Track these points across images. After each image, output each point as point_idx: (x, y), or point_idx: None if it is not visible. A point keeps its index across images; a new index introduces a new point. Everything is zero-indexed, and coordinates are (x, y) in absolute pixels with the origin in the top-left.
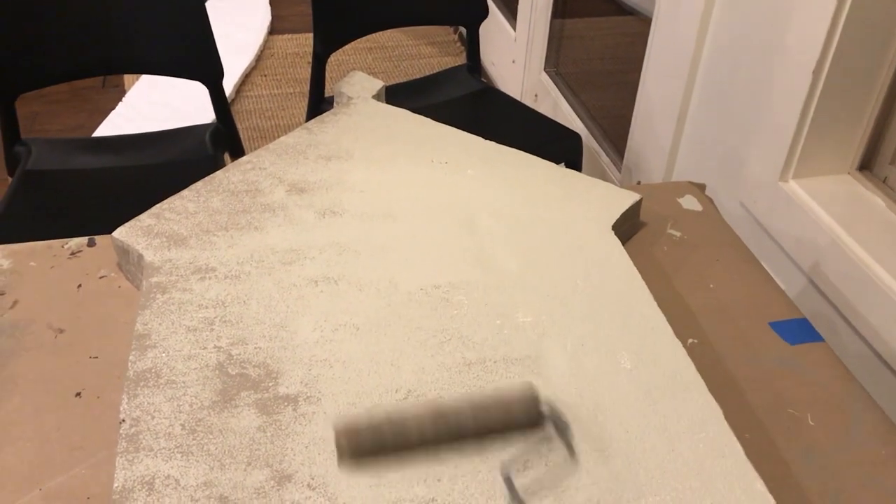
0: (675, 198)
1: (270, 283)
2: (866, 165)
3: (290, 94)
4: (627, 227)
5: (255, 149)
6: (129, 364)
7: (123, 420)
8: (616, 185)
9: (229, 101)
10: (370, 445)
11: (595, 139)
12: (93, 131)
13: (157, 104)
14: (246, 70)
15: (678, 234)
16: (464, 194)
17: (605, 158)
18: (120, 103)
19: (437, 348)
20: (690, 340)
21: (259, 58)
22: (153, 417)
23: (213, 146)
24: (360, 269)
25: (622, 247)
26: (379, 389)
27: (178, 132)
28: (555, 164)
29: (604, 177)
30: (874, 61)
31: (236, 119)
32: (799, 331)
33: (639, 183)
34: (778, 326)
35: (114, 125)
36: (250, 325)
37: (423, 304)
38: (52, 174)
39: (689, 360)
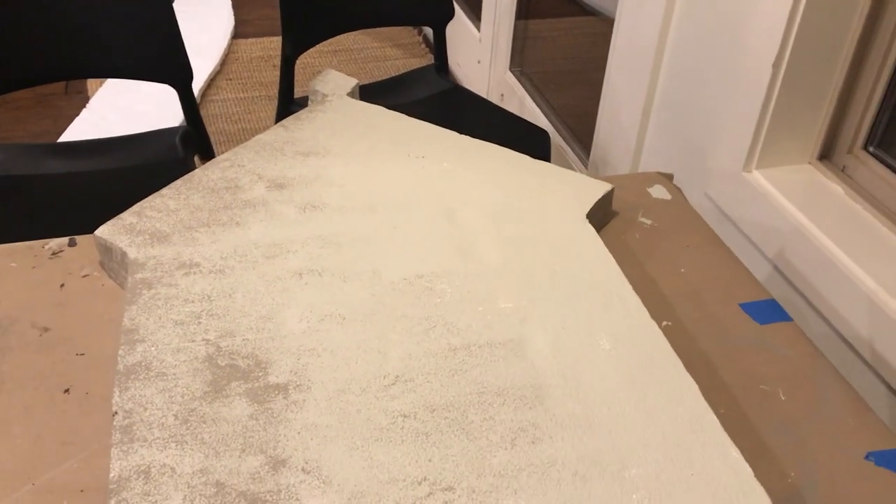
0: (645, 187)
1: (255, 276)
2: (826, 155)
3: (256, 97)
4: (601, 216)
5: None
6: (119, 358)
7: (116, 412)
8: None
9: None
10: None
11: (561, 136)
12: (57, 137)
13: (121, 109)
14: (211, 74)
15: (649, 221)
16: (442, 187)
17: (571, 155)
18: (84, 109)
19: (423, 335)
20: (665, 322)
21: (223, 62)
22: (146, 409)
23: (184, 149)
24: (343, 260)
25: (596, 233)
26: (367, 376)
27: (147, 136)
28: (529, 157)
29: None
30: (831, 54)
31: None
32: (768, 311)
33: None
34: (748, 307)
35: (79, 131)
36: (237, 317)
37: (407, 293)
38: (20, 179)
39: (665, 340)
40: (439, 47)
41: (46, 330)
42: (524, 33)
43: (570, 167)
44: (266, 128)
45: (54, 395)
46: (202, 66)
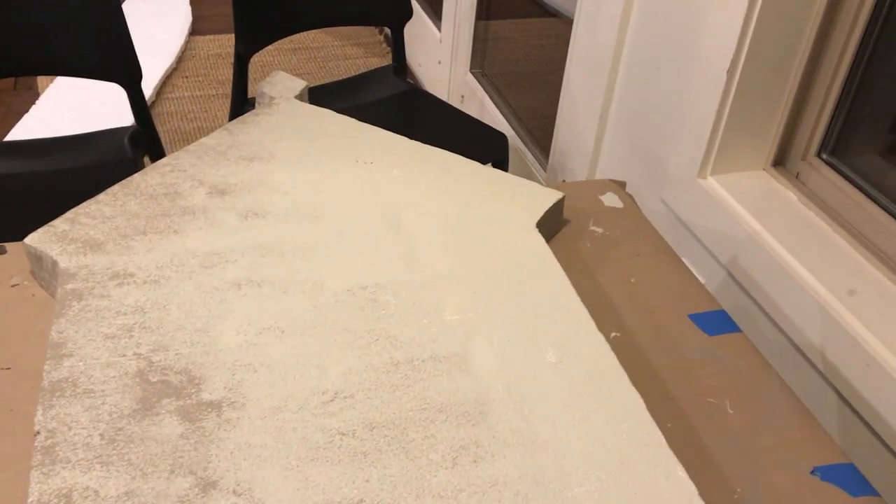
0: (597, 195)
1: (191, 287)
2: (780, 161)
3: (213, 95)
4: (551, 225)
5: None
6: (44, 374)
7: (38, 432)
8: (542, 183)
9: (149, 103)
10: None
11: (521, 139)
12: (4, 136)
13: (73, 107)
14: (167, 72)
15: (600, 230)
16: (390, 194)
17: (530, 158)
18: (33, 106)
19: (365, 349)
20: (613, 334)
21: (180, 59)
22: (70, 428)
23: (133, 149)
24: (285, 271)
25: (546, 244)
26: (305, 392)
27: (95, 135)
28: (480, 164)
29: (530, 176)
30: (785, 60)
31: (157, 122)
32: (717, 322)
33: (563, 181)
34: (697, 318)
35: (27, 129)
36: (171, 330)
37: (350, 305)
38: None
39: (611, 352)
40: (397, 48)
41: None
42: (485, 34)
43: (529, 171)
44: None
45: None
46: (157, 63)
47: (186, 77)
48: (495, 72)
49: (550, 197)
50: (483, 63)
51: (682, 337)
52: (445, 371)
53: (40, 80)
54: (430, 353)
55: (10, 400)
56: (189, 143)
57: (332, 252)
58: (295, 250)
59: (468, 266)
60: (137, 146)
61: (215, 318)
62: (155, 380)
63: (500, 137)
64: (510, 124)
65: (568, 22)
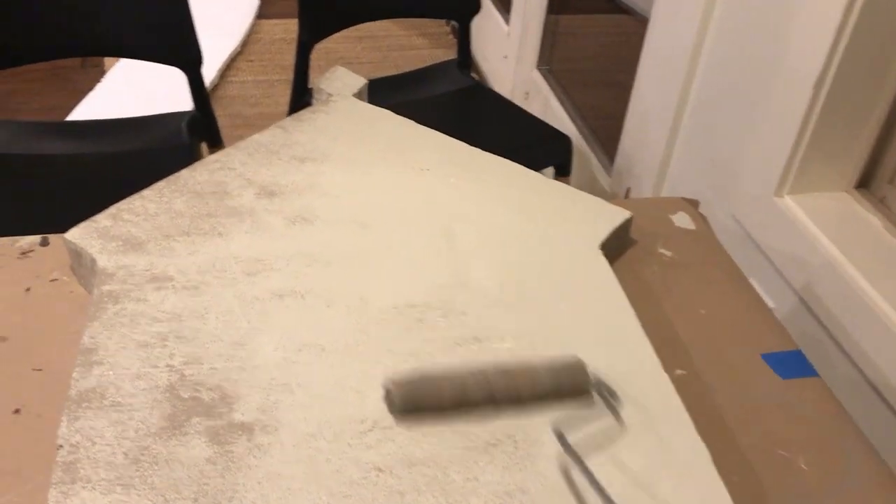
0: (668, 214)
1: (231, 295)
2: (864, 184)
3: (276, 80)
4: (616, 245)
5: (237, 137)
6: (73, 382)
7: (61, 445)
8: (605, 188)
9: (212, 85)
10: (420, 399)
11: (585, 140)
12: (70, 112)
13: (136, 86)
14: (231, 54)
15: (669, 253)
16: (444, 204)
17: (594, 161)
18: (98, 84)
19: None
20: (678, 371)
21: (245, 42)
22: (94, 444)
23: (190, 135)
24: (330, 282)
25: (610, 268)
26: (342, 419)
27: (153, 119)
28: (544, 177)
29: (593, 180)
30: (878, 76)
31: (218, 105)
32: (793, 364)
33: (629, 190)
34: (771, 359)
35: (91, 107)
36: (207, 342)
37: (396, 325)
38: (19, 159)
39: (676, 395)
40: (463, 42)
41: (4, 339)
42: (554, 29)
43: (591, 175)
44: (283, 114)
45: (3, 416)
46: (223, 45)
47: (251, 61)
48: (562, 68)
49: (618, 215)
50: (550, 59)
51: (753, 379)
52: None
53: (107, 58)
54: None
55: (39, 404)
56: (249, 129)
57: (381, 264)
58: (342, 260)
59: (523, 288)
60: (195, 132)
61: (254, 330)
62: (186, 396)
63: (564, 140)
64: (574, 124)
65: (640, 20)
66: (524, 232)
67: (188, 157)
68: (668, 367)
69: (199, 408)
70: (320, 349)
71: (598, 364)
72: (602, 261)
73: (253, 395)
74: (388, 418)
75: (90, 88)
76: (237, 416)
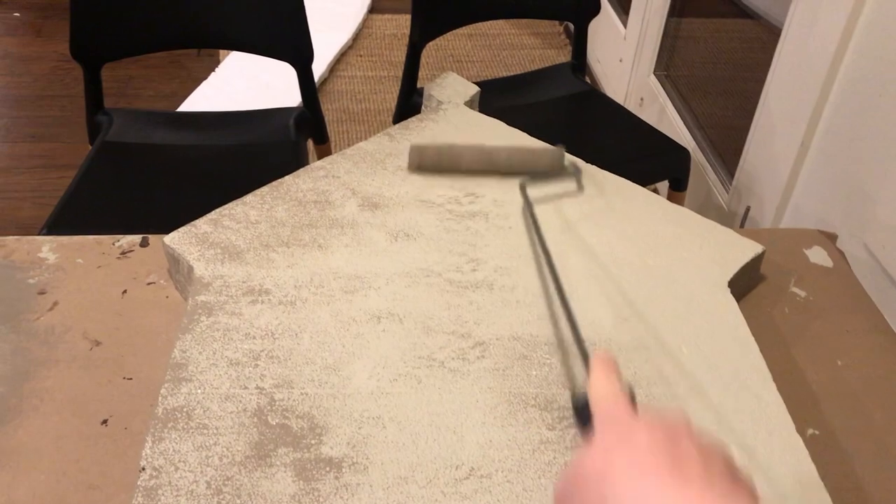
0: (801, 248)
1: (328, 314)
2: None
3: (384, 77)
4: (745, 282)
5: (342, 132)
6: (160, 399)
7: (143, 468)
8: (723, 207)
9: (322, 79)
10: (431, 161)
11: (702, 152)
12: (184, 99)
13: (249, 78)
14: (342, 48)
15: (803, 293)
16: (558, 227)
17: (712, 176)
18: (212, 73)
19: (510, 417)
20: (811, 431)
21: (356, 37)
22: (177, 469)
23: (297, 132)
24: (431, 307)
25: (738, 308)
26: (437, 463)
27: (262, 113)
28: (666, 200)
29: (709, 196)
30: None
31: (326, 99)
32: None
33: (748, 210)
34: None
35: (203, 96)
36: (299, 364)
37: (500, 359)
38: (131, 147)
39: (809, 459)
40: (579, 45)
41: (98, 344)
42: (674, 32)
43: (708, 189)
44: (389, 111)
45: (90, 426)
46: (335, 39)
47: (361, 56)
48: (680, 74)
49: (749, 250)
50: (668, 64)
51: None
52: None
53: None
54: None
55: (126, 416)
56: (355, 125)
57: (486, 290)
58: (445, 284)
59: (641, 326)
60: (302, 129)
61: (349, 354)
62: (274, 422)
63: (682, 153)
64: (691, 133)
65: (766, 25)
66: (643, 264)
67: (293, 154)
68: (799, 424)
69: (286, 437)
70: (416, 381)
71: (722, 419)
72: (730, 300)
73: (343, 427)
74: (486, 465)
75: (204, 77)
76: (325, 450)
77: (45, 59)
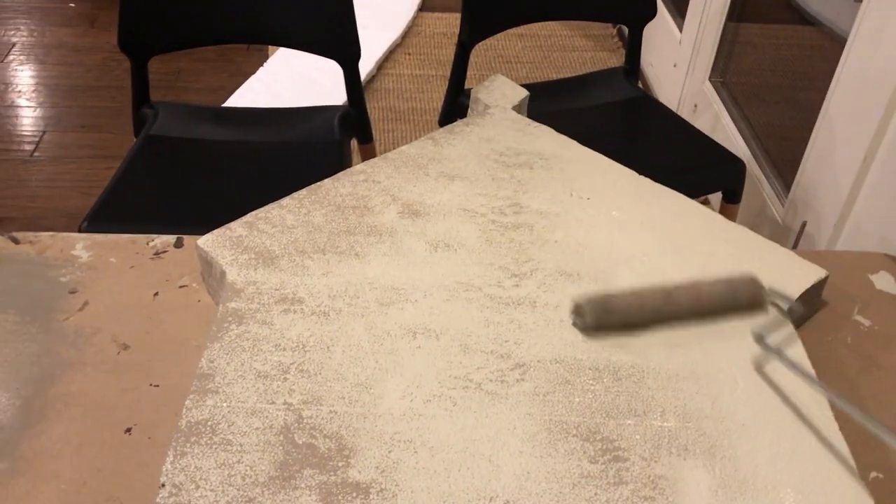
0: (866, 273)
1: (362, 327)
2: None
3: (433, 76)
4: (805, 309)
5: (387, 131)
6: (184, 410)
7: (163, 484)
8: (777, 220)
9: (370, 76)
10: (609, 316)
11: (757, 162)
12: (232, 93)
13: (296, 74)
14: (391, 46)
15: (867, 322)
16: (605, 241)
17: (767, 188)
18: (261, 68)
19: (549, 447)
20: (874, 474)
21: (406, 35)
22: (198, 487)
23: (341, 131)
24: (469, 323)
25: (797, 337)
26: (469, 493)
27: (307, 111)
28: (727, 220)
29: (763, 209)
30: None
31: (373, 97)
32: None
33: (804, 225)
34: None
35: (251, 90)
36: (330, 379)
37: (540, 383)
38: (174, 141)
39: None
40: (633, 49)
41: (126, 348)
42: (732, 38)
43: (762, 202)
44: (435, 111)
45: (114, 434)
46: (384, 36)
47: (409, 54)
48: (737, 81)
49: (811, 274)
50: (725, 71)
51: None
52: (647, 498)
53: None
54: (632, 472)
55: (150, 425)
56: (401, 124)
57: (528, 307)
58: (485, 300)
59: (691, 353)
60: (346, 128)
61: (382, 371)
62: (301, 441)
63: (737, 164)
64: (746, 143)
65: (828, 33)
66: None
67: (337, 153)
68: (862, 466)
69: (313, 458)
70: (451, 403)
71: (778, 459)
72: (789, 328)
73: (372, 450)
74: (523, 499)
75: (253, 71)
76: (353, 474)
77: (98, 49)
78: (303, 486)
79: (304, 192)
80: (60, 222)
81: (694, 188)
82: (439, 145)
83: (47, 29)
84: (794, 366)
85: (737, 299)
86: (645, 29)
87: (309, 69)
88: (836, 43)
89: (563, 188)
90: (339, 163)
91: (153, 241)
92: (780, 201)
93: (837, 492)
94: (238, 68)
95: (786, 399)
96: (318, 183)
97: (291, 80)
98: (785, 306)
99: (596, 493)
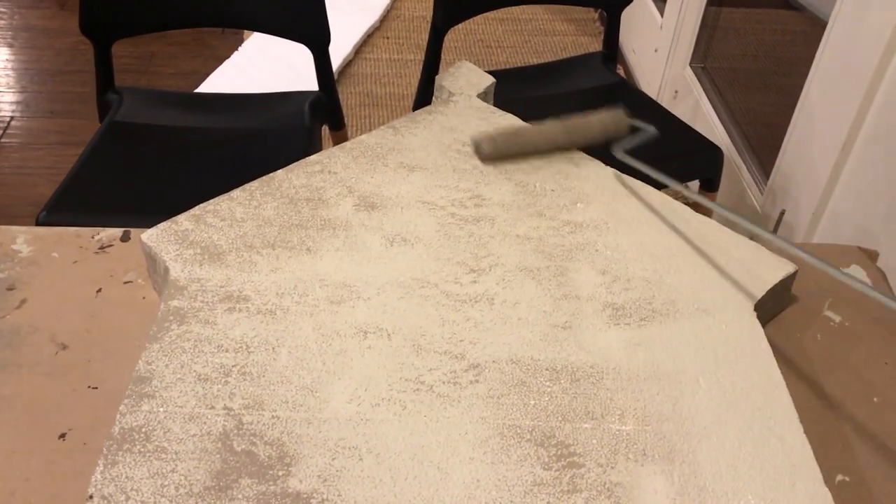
0: (839, 266)
1: (310, 327)
2: None
3: (410, 60)
4: (773, 304)
5: (363, 116)
6: (118, 416)
7: (91, 496)
8: (756, 208)
9: (346, 61)
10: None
11: (737, 149)
12: (205, 78)
13: (272, 58)
14: (369, 30)
15: (837, 318)
16: (573, 241)
17: (746, 175)
18: (235, 52)
19: (503, 454)
20: (840, 477)
21: (384, 18)
22: (128, 499)
23: (312, 117)
24: (423, 323)
25: (764, 335)
26: (415, 502)
27: (278, 97)
28: (695, 212)
29: (742, 197)
30: None
31: (350, 82)
32: None
33: (783, 213)
34: None
35: (225, 75)
36: (274, 382)
37: (495, 386)
38: (139, 128)
39: None
40: (611, 33)
41: (64, 348)
42: (713, 23)
43: (741, 190)
44: (412, 96)
45: (47, 440)
46: (362, 21)
47: (387, 38)
48: (718, 67)
49: (780, 269)
50: (705, 56)
51: None
52: None
53: None
54: (587, 478)
55: (86, 430)
56: (379, 109)
57: (485, 307)
58: (440, 296)
59: (653, 352)
60: (317, 114)
61: (329, 373)
62: (239, 448)
63: (715, 152)
64: (726, 129)
65: (811, 18)
66: (661, 280)
67: (307, 140)
68: (827, 469)
69: (252, 466)
70: (401, 407)
71: (740, 464)
72: (756, 327)
73: (315, 458)
74: None
75: (228, 56)
76: (293, 483)
77: (68, 32)
78: (240, 496)
79: (255, 183)
80: (27, 210)
81: (671, 177)
82: (400, 134)
83: (16, 11)
84: (647, 169)
85: (607, 127)
86: (627, 13)
87: (285, 53)
88: (818, 28)
89: (531, 181)
90: (309, 150)
91: (98, 234)
92: (759, 189)
93: (801, 497)
94: (213, 52)
95: (745, 401)
96: (272, 174)
97: (267, 64)
98: (646, 129)
99: (548, 502)
